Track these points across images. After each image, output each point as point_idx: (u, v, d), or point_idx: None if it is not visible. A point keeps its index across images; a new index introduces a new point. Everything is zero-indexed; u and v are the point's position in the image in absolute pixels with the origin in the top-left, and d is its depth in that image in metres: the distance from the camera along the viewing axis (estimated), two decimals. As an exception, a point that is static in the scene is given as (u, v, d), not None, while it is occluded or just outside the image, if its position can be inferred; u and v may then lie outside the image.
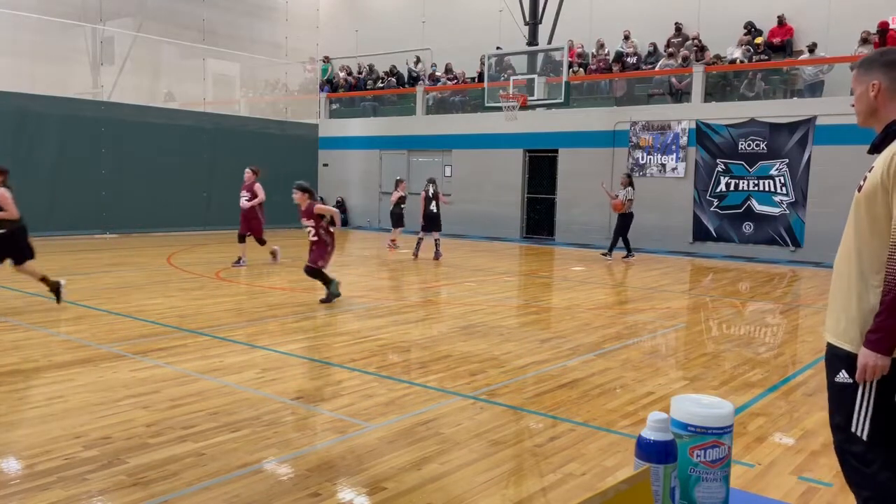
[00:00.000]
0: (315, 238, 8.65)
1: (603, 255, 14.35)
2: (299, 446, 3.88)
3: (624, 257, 14.24)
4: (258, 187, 11.72)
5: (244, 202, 11.74)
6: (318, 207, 8.71)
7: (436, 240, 13.61)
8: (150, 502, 3.15)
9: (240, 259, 11.75)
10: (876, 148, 2.31)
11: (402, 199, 14.56)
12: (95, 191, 16.42)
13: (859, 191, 2.29)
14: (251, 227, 11.72)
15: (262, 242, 11.92)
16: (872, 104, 2.33)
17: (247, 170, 11.98)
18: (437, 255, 13.44)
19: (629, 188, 13.92)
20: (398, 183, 14.91)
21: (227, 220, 18.91)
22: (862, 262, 2.25)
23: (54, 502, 3.13)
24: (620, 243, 14.10)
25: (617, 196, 14.06)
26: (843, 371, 2.24)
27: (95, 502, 3.16)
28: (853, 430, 2.19)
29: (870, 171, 2.27)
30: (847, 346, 2.25)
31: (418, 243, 13.73)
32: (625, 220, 13.96)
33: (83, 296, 8.45)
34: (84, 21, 16.99)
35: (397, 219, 14.79)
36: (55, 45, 16.99)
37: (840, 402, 2.27)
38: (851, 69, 2.44)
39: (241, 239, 11.80)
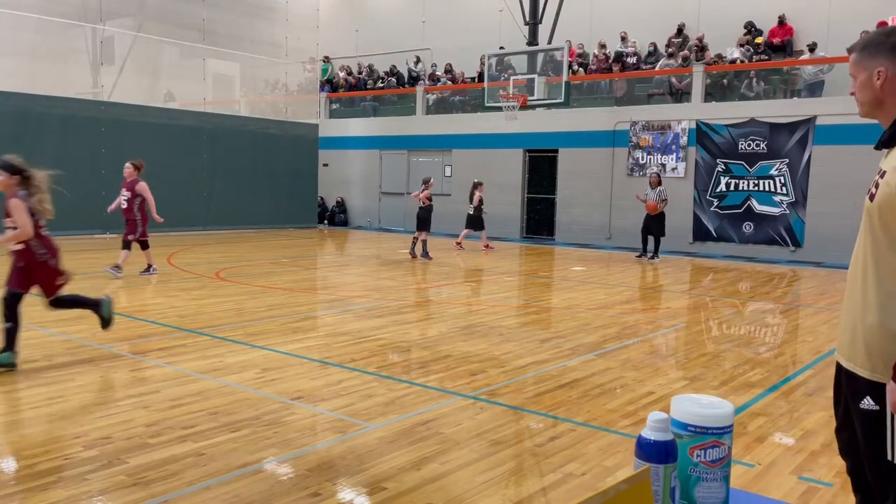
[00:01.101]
0: (21, 247, 5.39)
1: (650, 259, 14.07)
2: (299, 446, 3.88)
3: (638, 255, 14.32)
4: (142, 185, 10.29)
5: (123, 202, 10.27)
6: (14, 204, 5.25)
7: (422, 240, 13.66)
8: (150, 502, 3.15)
9: (149, 267, 10.55)
10: (884, 144, 2.05)
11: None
12: (95, 191, 16.41)
13: (871, 199, 1.99)
14: (131, 229, 10.25)
15: (144, 245, 10.46)
16: (877, 94, 2.02)
17: (127, 164, 10.32)
18: (420, 254, 13.58)
19: (661, 188, 13.89)
20: (477, 185, 15.31)
21: (227, 220, 18.94)
22: (881, 279, 1.97)
23: (54, 502, 3.13)
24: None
25: (647, 198, 13.92)
26: (868, 398, 2.01)
27: (95, 502, 3.16)
28: (889, 458, 1.97)
29: (881, 176, 1.98)
30: (865, 374, 2.02)
31: (413, 243, 13.80)
32: (659, 220, 13.86)
33: (83, 296, 8.44)
34: (84, 21, 16.98)
35: (478, 221, 15.21)
36: (55, 45, 16.98)
37: (869, 429, 2.03)
38: (849, 52, 2.13)
39: (126, 245, 10.22)
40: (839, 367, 2.18)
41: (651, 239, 14.09)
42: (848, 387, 2.13)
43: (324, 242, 17.45)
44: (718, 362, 6.10)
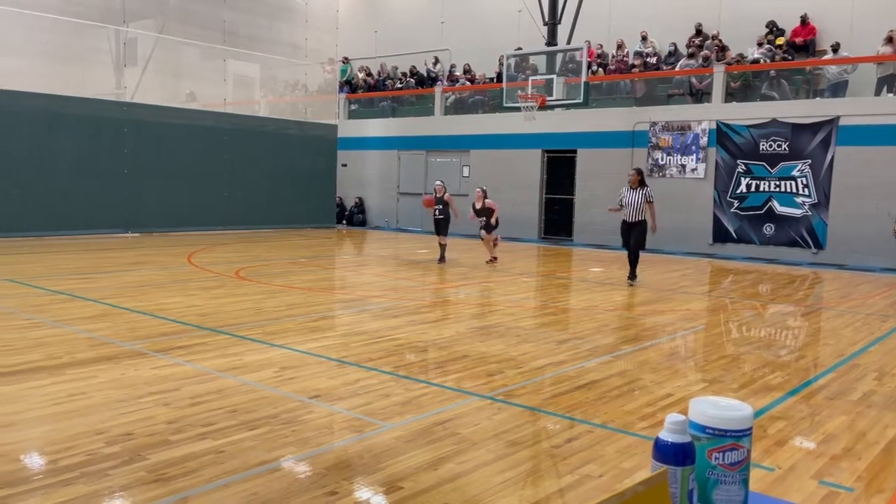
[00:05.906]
0: None
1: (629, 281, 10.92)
2: (317, 445, 3.90)
3: (630, 279, 10.97)
4: None
5: None
6: None
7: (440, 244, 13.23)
8: (169, 498, 3.19)
9: None
10: None
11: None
12: (118, 190, 16.62)
13: None
14: None
15: None
16: None
17: None
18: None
19: (647, 189, 10.64)
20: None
21: (247, 219, 19.08)
22: None
23: (77, 497, 3.17)
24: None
25: (623, 203, 10.71)
26: None
27: (117, 498, 3.20)
28: None
29: None
30: None
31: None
32: (641, 229, 10.63)
33: (105, 294, 8.55)
34: (107, 23, 17.20)
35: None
36: (79, 46, 17.22)
37: None
38: None
39: None
40: None
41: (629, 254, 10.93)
42: None
43: (342, 242, 17.52)
44: (738, 365, 6.05)
